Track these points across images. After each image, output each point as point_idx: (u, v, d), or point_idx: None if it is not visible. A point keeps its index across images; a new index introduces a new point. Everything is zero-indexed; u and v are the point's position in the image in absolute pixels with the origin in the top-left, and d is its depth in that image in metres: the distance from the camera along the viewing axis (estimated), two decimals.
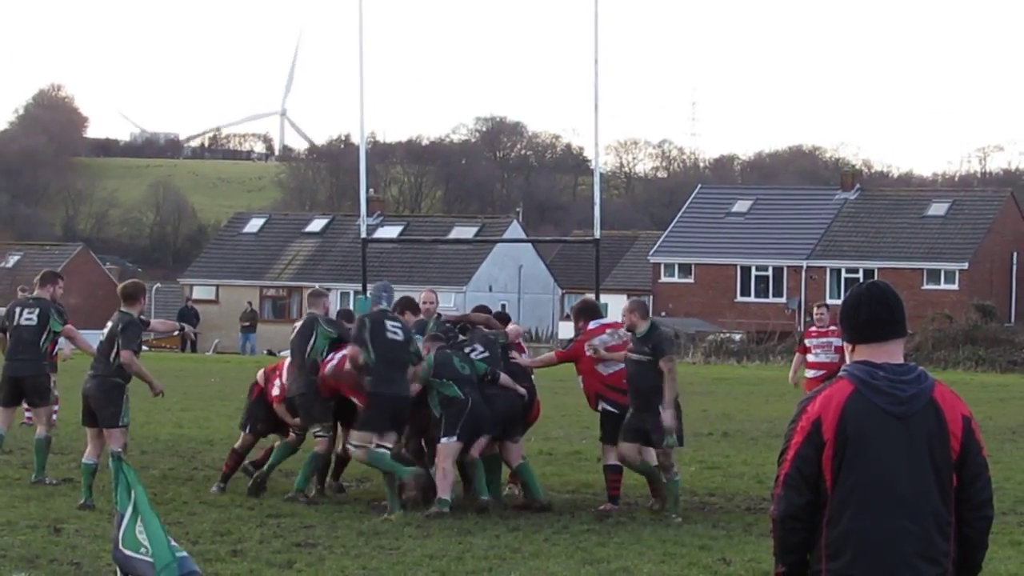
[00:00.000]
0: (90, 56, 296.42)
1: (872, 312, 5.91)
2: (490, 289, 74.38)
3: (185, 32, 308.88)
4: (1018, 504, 17.09)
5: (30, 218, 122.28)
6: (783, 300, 74.87)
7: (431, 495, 15.77)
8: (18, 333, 17.77)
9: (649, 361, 15.57)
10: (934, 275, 72.58)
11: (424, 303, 17.70)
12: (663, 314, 74.46)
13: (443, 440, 15.71)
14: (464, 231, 77.46)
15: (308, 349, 16.54)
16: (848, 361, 5.97)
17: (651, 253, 79.93)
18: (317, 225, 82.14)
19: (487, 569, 12.71)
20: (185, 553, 7.85)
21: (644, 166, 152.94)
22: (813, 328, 22.53)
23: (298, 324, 17.16)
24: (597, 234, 21.64)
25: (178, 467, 19.34)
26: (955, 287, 71.71)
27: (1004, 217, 76.04)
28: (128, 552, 7.74)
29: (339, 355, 16.24)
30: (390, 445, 15.94)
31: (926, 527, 5.75)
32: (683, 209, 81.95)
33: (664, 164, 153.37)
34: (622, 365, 16.02)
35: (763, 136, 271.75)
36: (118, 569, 7.83)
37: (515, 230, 79.50)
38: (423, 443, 16.74)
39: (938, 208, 75.64)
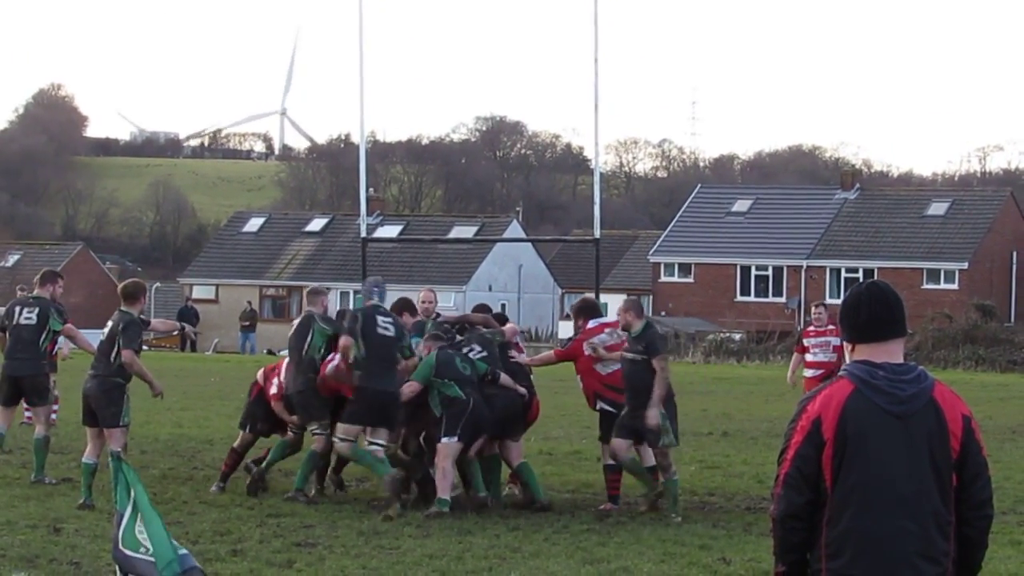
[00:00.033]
0: (90, 56, 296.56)
1: (872, 312, 5.91)
2: (490, 289, 74.39)
3: (185, 32, 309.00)
4: (1018, 504, 17.08)
5: (30, 217, 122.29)
6: (783, 300, 74.88)
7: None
8: (17, 332, 17.76)
9: (644, 360, 15.58)
10: (934, 275, 72.59)
11: (423, 302, 17.70)
12: (663, 314, 74.47)
13: (444, 440, 15.71)
14: (464, 230, 77.47)
15: (305, 347, 16.54)
16: (848, 360, 5.97)
17: (651, 253, 79.93)
18: (317, 224, 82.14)
19: (487, 569, 12.70)
20: (186, 550, 7.86)
21: (644, 166, 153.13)
22: (811, 328, 22.52)
23: (295, 322, 17.18)
24: (597, 234, 21.65)
25: (178, 467, 19.33)
26: (955, 287, 71.72)
27: (1004, 217, 76.05)
28: (128, 552, 7.75)
29: (340, 356, 16.24)
30: (381, 441, 15.96)
31: (926, 526, 5.75)
32: (683, 209, 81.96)
33: (664, 164, 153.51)
34: (620, 365, 16.03)
35: (763, 136, 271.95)
36: (118, 568, 7.83)
37: (515, 229, 79.50)
38: (422, 442, 16.72)
39: (938, 208, 75.64)
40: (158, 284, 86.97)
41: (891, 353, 5.88)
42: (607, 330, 16.51)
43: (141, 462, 19.06)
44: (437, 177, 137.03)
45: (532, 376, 17.21)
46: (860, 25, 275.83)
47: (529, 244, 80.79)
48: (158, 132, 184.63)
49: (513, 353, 17.00)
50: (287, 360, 17.07)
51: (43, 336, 17.79)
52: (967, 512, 5.86)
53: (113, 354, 15.79)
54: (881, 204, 77.12)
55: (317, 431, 16.56)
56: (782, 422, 17.62)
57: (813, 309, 23.05)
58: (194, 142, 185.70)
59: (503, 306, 72.01)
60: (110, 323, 16.02)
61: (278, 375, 17.11)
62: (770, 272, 75.99)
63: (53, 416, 21.88)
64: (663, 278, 78.21)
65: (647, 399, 15.53)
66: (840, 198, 78.00)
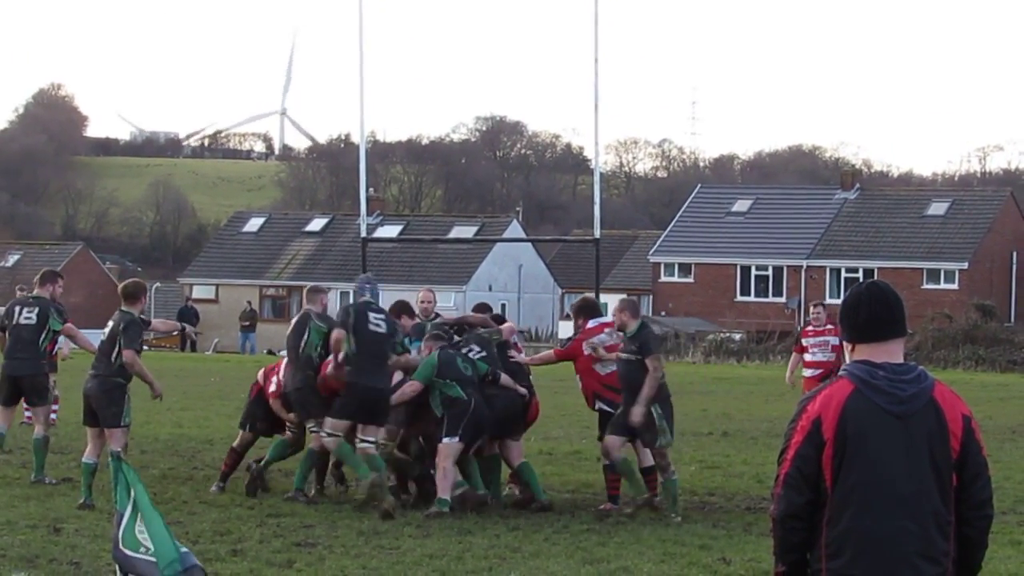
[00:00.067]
0: (90, 56, 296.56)
1: (872, 312, 5.91)
2: (490, 288, 74.39)
3: (185, 32, 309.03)
4: (1018, 503, 17.09)
5: (30, 217, 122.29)
6: (783, 300, 74.89)
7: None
8: (17, 332, 17.77)
9: (639, 360, 15.58)
10: (934, 275, 72.59)
11: (421, 303, 17.72)
12: (663, 314, 74.48)
13: (445, 440, 15.70)
14: (464, 230, 77.46)
15: (302, 345, 16.54)
16: (848, 360, 5.97)
17: (651, 253, 79.93)
18: (317, 224, 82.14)
19: (487, 569, 12.70)
20: (186, 548, 7.86)
21: (644, 166, 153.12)
22: (810, 327, 22.49)
23: (293, 320, 17.19)
24: (597, 234, 21.64)
25: (178, 466, 19.33)
26: (955, 287, 71.72)
27: (1004, 217, 76.05)
28: (128, 552, 7.75)
29: (341, 355, 16.24)
30: (372, 439, 15.97)
31: (926, 526, 5.75)
32: (683, 209, 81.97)
33: (664, 164, 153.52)
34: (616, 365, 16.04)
35: (763, 136, 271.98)
36: (118, 568, 7.84)
37: (515, 229, 79.50)
38: (421, 442, 16.72)
39: (938, 208, 75.64)
40: (158, 284, 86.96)
41: (891, 353, 5.88)
42: (607, 330, 16.50)
43: (141, 462, 19.06)
44: (437, 177, 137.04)
45: (531, 376, 17.21)
46: (860, 25, 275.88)
47: (529, 244, 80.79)
48: (158, 132, 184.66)
49: (512, 353, 17.01)
50: (286, 359, 17.09)
51: (43, 336, 17.79)
52: (967, 512, 5.86)
53: (114, 354, 15.79)
54: (881, 204, 77.12)
55: (315, 429, 16.56)
56: (782, 422, 17.63)
57: (811, 309, 23.03)
58: (194, 142, 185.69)
59: (503, 306, 72.00)
60: (111, 323, 16.01)
61: (277, 374, 17.13)
62: (770, 272, 76.00)
63: (53, 416, 21.89)
64: (663, 278, 78.21)
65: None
66: (840, 198, 78.00)
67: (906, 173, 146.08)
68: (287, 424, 17.03)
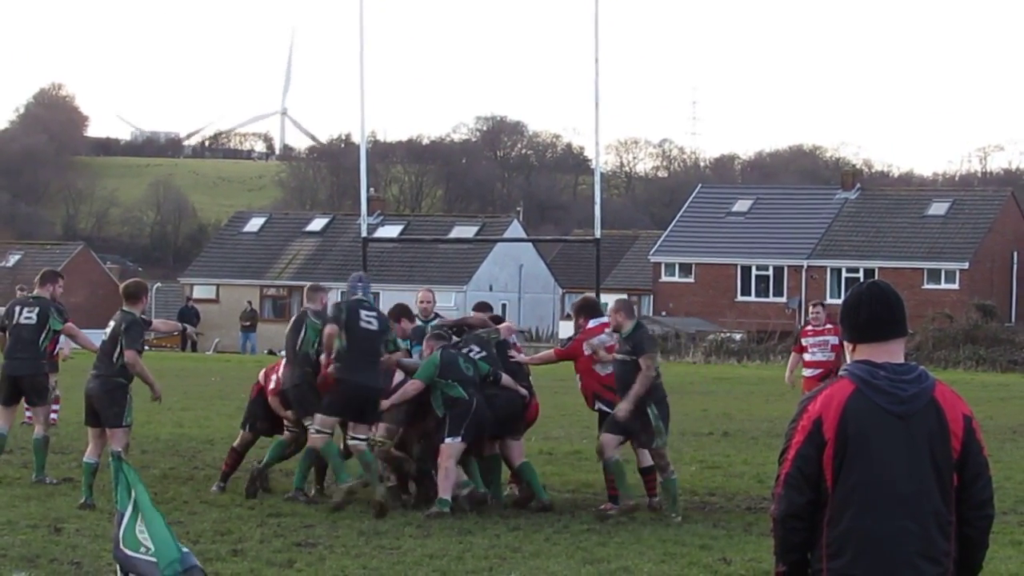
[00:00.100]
0: (90, 56, 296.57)
1: (873, 312, 5.91)
2: (490, 288, 74.38)
3: (185, 32, 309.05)
4: (1018, 504, 17.08)
5: (30, 217, 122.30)
6: (783, 300, 74.88)
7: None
8: (17, 332, 17.77)
9: (634, 360, 15.58)
10: (934, 275, 72.58)
11: (421, 303, 17.75)
12: (664, 314, 74.47)
13: (447, 440, 15.71)
14: (464, 230, 77.45)
15: (299, 342, 16.55)
16: (848, 360, 5.97)
17: (651, 252, 79.92)
18: (317, 224, 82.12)
19: (487, 569, 12.70)
20: (187, 549, 7.86)
21: (644, 165, 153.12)
22: (809, 327, 22.45)
23: (292, 319, 17.23)
24: (597, 233, 21.64)
25: (178, 466, 19.34)
26: (955, 287, 71.71)
27: (1004, 217, 76.04)
28: (128, 552, 7.75)
29: (334, 352, 16.26)
30: (363, 436, 16.01)
31: (927, 526, 5.75)
32: (683, 208, 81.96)
33: (664, 163, 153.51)
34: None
35: (763, 136, 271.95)
36: (118, 568, 7.83)
37: (515, 229, 79.48)
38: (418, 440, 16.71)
39: (938, 208, 75.63)
40: (159, 284, 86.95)
41: (892, 353, 5.88)
42: (607, 330, 16.50)
43: (142, 462, 19.06)
44: (438, 177, 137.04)
45: (531, 377, 17.21)
46: (860, 25, 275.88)
47: (530, 244, 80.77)
48: (158, 132, 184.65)
49: (512, 353, 17.02)
50: (285, 358, 17.14)
51: (43, 336, 17.80)
52: (968, 512, 5.86)
53: (116, 354, 15.79)
54: (882, 204, 77.11)
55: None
56: (782, 422, 17.62)
57: (811, 308, 23.00)
58: (194, 141, 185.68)
59: (503, 306, 72.00)
60: (112, 323, 16.01)
61: (277, 372, 17.16)
62: (771, 272, 75.99)
63: (54, 416, 21.90)
64: (664, 278, 78.20)
65: (639, 399, 15.52)
66: (841, 198, 77.99)
67: (907, 173, 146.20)
68: (285, 423, 17.03)
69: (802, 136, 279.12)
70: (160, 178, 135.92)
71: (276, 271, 79.08)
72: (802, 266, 74.71)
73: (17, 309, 17.95)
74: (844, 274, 73.36)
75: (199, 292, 78.04)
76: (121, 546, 7.77)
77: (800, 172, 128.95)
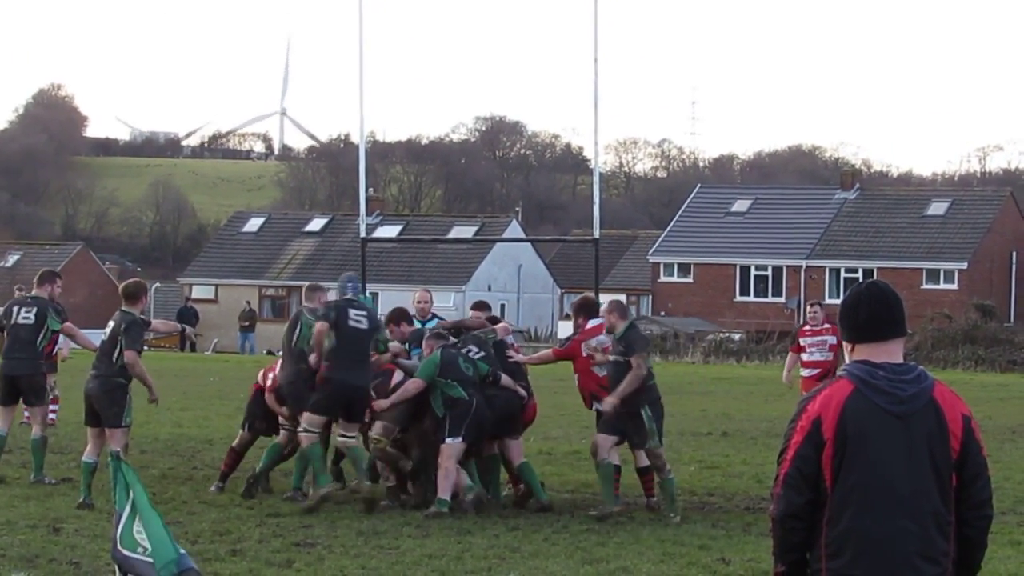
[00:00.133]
0: (90, 56, 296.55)
1: (872, 311, 5.90)
2: (489, 288, 74.38)
3: (185, 32, 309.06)
4: (1018, 504, 17.08)
5: (30, 217, 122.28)
6: (782, 300, 74.89)
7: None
8: (15, 332, 17.79)
9: (627, 362, 15.57)
10: (933, 275, 72.59)
11: (418, 303, 17.76)
12: (662, 313, 74.48)
13: (448, 440, 15.71)
14: (463, 230, 77.45)
15: (294, 339, 16.57)
16: (847, 360, 5.97)
17: (650, 253, 79.92)
18: (316, 224, 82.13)
19: (486, 569, 12.70)
20: (184, 551, 7.85)
21: (643, 165, 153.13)
22: (807, 327, 22.42)
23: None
24: (596, 233, 21.62)
25: (177, 466, 19.33)
26: (954, 287, 71.72)
27: (1003, 217, 76.05)
28: (126, 552, 7.74)
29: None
30: (352, 434, 16.06)
31: (926, 526, 5.74)
32: (682, 209, 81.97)
33: (663, 163, 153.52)
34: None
35: (763, 136, 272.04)
36: (117, 568, 7.83)
37: (514, 229, 79.49)
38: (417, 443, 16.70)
39: (938, 208, 75.64)
40: (158, 284, 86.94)
41: (891, 353, 5.88)
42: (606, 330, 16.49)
43: (141, 462, 19.06)
44: (437, 177, 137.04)
45: (528, 376, 17.21)
46: (860, 25, 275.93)
47: (529, 244, 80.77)
48: (158, 132, 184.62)
49: (511, 353, 17.02)
50: (281, 355, 17.17)
51: (40, 336, 17.80)
52: (967, 512, 5.85)
53: (115, 354, 15.79)
54: (881, 204, 77.12)
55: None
56: (781, 422, 17.58)
57: (808, 308, 22.98)
58: (193, 140, 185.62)
59: (503, 306, 71.98)
60: (112, 323, 16.01)
61: (274, 371, 17.19)
62: (769, 272, 76.00)
63: (52, 416, 21.90)
64: (662, 278, 78.21)
65: (633, 400, 15.52)
66: (840, 198, 78.00)
67: (906, 173, 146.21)
68: (280, 420, 17.01)
69: (801, 136, 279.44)
70: (159, 178, 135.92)
71: (275, 271, 79.07)
72: (801, 266, 74.71)
73: (15, 309, 17.96)
74: (843, 274, 73.37)
75: (198, 292, 78.04)
76: (119, 546, 7.77)
77: (799, 172, 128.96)
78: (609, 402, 15.56)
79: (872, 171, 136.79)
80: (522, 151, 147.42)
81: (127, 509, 7.77)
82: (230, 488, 16.97)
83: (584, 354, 16.34)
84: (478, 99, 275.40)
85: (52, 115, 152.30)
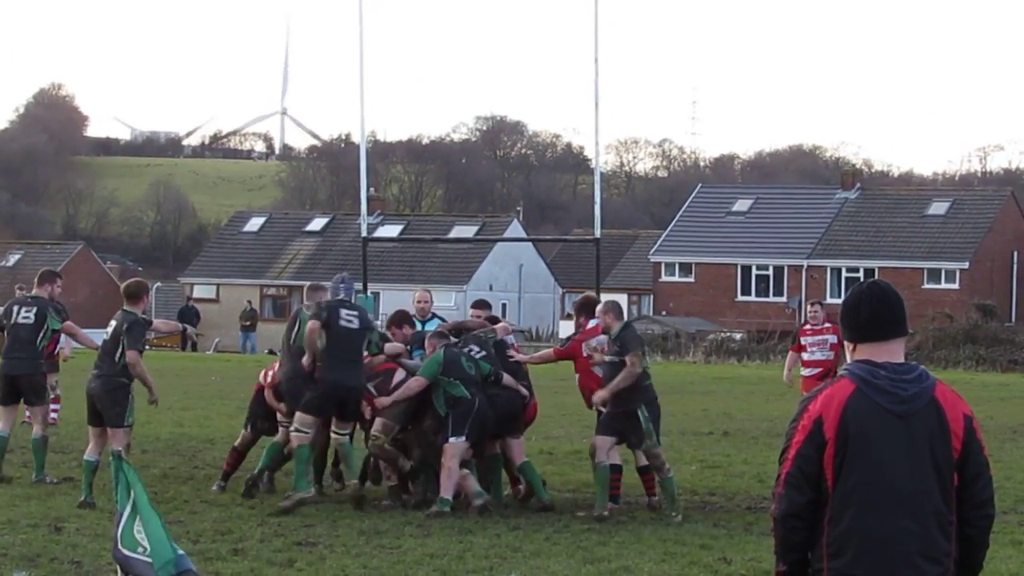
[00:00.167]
0: (91, 56, 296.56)
1: (873, 311, 5.91)
2: (490, 288, 74.38)
3: (185, 31, 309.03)
4: (1019, 503, 17.08)
5: (30, 217, 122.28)
6: (783, 299, 74.87)
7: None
8: (15, 331, 17.80)
9: (622, 361, 15.57)
10: (934, 274, 72.58)
11: (418, 303, 17.77)
12: (664, 313, 74.48)
13: (451, 440, 15.72)
14: (464, 230, 77.45)
15: (293, 336, 16.58)
16: (849, 360, 5.97)
17: (651, 252, 79.91)
18: (317, 224, 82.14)
19: (488, 568, 12.70)
20: (182, 552, 7.85)
21: (644, 165, 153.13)
22: (808, 326, 22.40)
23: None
24: (597, 233, 21.62)
25: (179, 466, 19.34)
26: (955, 286, 71.70)
27: (1004, 216, 76.03)
28: (126, 552, 7.75)
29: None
30: (346, 431, 16.14)
31: (927, 526, 5.75)
32: (683, 208, 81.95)
33: (664, 163, 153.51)
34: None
35: (763, 135, 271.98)
36: (118, 568, 7.83)
37: (515, 229, 79.48)
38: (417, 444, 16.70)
39: (938, 207, 75.62)
40: (159, 284, 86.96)
41: (892, 353, 5.88)
42: None
43: (142, 461, 19.06)
44: (438, 177, 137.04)
45: (529, 376, 17.21)
46: (860, 25, 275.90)
47: (530, 244, 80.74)
48: (158, 132, 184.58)
49: (511, 352, 17.03)
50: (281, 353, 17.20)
51: (40, 335, 17.80)
52: (968, 512, 5.86)
53: (118, 354, 15.79)
54: (882, 204, 77.10)
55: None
56: (783, 422, 17.58)
57: (808, 307, 22.96)
58: (193, 138, 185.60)
59: (503, 306, 71.99)
60: (113, 323, 16.01)
61: (275, 369, 17.21)
62: (771, 272, 75.99)
63: (54, 416, 21.90)
64: (664, 278, 78.19)
65: (628, 399, 15.52)
66: (840, 198, 77.98)
67: (907, 173, 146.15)
68: (279, 418, 17.00)
69: (802, 136, 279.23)
70: (160, 178, 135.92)
71: (276, 271, 79.08)
72: (802, 266, 74.70)
73: (15, 309, 17.97)
74: (844, 274, 73.36)
75: (199, 292, 78.04)
76: (119, 546, 7.77)
77: (800, 172, 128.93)
78: (600, 396, 15.60)
79: (873, 171, 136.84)
80: (523, 151, 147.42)
81: (128, 509, 7.77)
82: (231, 487, 16.97)
83: (584, 354, 16.35)
84: (479, 99, 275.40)
85: (52, 115, 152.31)
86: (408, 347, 16.91)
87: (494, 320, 17.74)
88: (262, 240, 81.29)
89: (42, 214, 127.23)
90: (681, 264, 77.92)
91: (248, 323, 67.94)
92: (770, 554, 6.14)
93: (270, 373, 17.25)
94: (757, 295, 75.84)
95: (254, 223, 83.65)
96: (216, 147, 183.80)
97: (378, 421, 16.22)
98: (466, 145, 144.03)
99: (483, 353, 16.45)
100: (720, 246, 76.88)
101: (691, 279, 77.30)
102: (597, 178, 22.18)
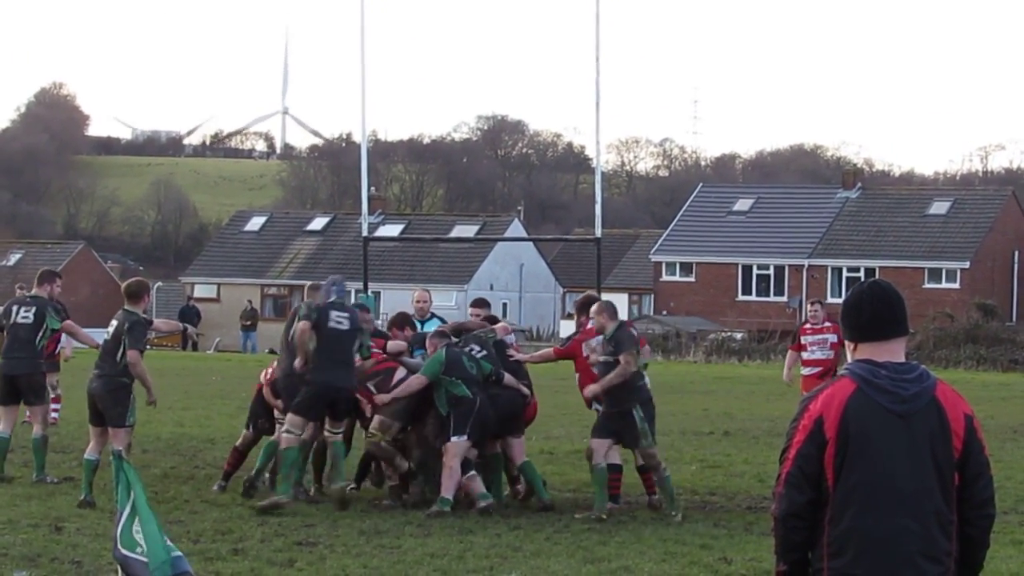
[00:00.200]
0: (92, 55, 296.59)
1: (874, 311, 5.90)
2: (491, 288, 74.39)
3: (186, 31, 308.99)
4: (1019, 503, 17.08)
5: (31, 216, 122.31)
6: (784, 299, 74.87)
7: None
8: (15, 331, 17.80)
9: (616, 361, 15.56)
10: (935, 274, 72.58)
11: (417, 302, 17.77)
12: (664, 313, 74.47)
13: (453, 439, 15.72)
14: (465, 229, 77.45)
15: (291, 334, 16.58)
16: (849, 360, 5.97)
17: (652, 252, 79.92)
18: (318, 223, 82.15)
19: (488, 568, 12.70)
20: (180, 553, 7.84)
21: (645, 165, 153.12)
22: (808, 325, 22.38)
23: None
24: (598, 233, 21.62)
25: (179, 465, 19.33)
26: (956, 286, 71.71)
27: (1005, 216, 76.03)
28: (125, 551, 7.75)
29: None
30: (339, 430, 16.15)
31: (928, 526, 5.74)
32: (684, 208, 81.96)
33: (665, 163, 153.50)
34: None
35: (764, 135, 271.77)
36: (119, 568, 7.83)
37: (516, 229, 79.49)
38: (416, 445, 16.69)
39: (939, 207, 75.63)
40: (160, 283, 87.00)
41: (893, 352, 5.88)
42: None
43: (143, 461, 19.06)
44: (438, 176, 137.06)
45: (529, 375, 17.21)
46: (861, 24, 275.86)
47: (530, 243, 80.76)
48: (159, 131, 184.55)
49: (511, 352, 17.04)
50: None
51: (39, 335, 17.80)
52: (969, 511, 5.85)
53: (119, 354, 15.79)
54: (883, 203, 77.11)
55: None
56: (783, 421, 17.58)
57: (809, 306, 22.93)
58: (194, 137, 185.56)
59: (504, 305, 72.00)
60: (114, 322, 16.01)
61: (272, 367, 17.23)
62: (771, 271, 75.99)
63: (55, 415, 21.89)
64: (664, 277, 78.20)
65: (624, 400, 15.52)
66: (841, 197, 77.98)
67: (908, 172, 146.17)
68: (276, 415, 16.99)
69: (803, 135, 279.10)
70: (161, 177, 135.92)
71: (277, 270, 79.09)
72: (803, 265, 74.70)
73: (15, 308, 17.98)
74: (845, 273, 73.37)
75: (200, 291, 78.05)
76: (119, 546, 7.78)
77: (801, 171, 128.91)
78: (592, 389, 15.62)
79: (874, 170, 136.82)
80: (524, 150, 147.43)
81: (128, 509, 7.77)
82: (232, 487, 16.96)
83: (584, 354, 16.35)
84: (480, 98, 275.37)
85: (53, 114, 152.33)
86: (409, 348, 16.91)
87: (493, 319, 17.73)
88: (263, 240, 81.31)
89: (43, 213, 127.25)
90: (682, 264, 77.92)
91: (249, 323, 67.94)
92: (770, 554, 6.13)
93: (269, 370, 17.26)
94: (758, 295, 75.84)
95: (255, 222, 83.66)
96: (217, 147, 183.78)
97: (376, 418, 16.22)
98: (467, 144, 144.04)
99: (484, 353, 16.46)
100: (721, 246, 76.88)
101: (692, 279, 77.30)
102: (598, 177, 22.18)
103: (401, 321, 17.28)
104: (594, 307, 16.06)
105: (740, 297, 75.83)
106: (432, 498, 15.82)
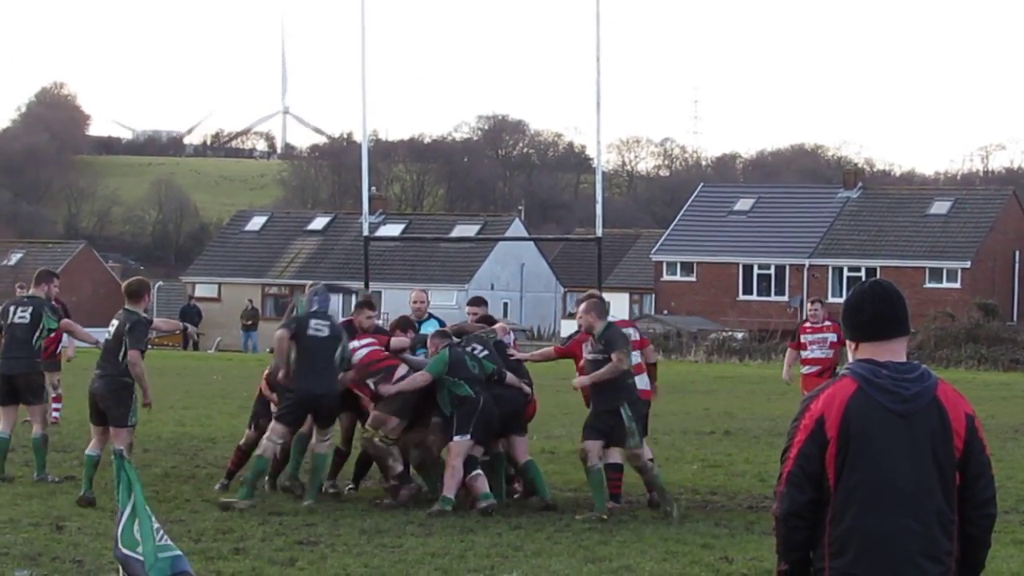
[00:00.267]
0: (92, 55, 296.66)
1: (875, 311, 5.90)
2: (492, 287, 74.40)
3: (187, 31, 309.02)
4: (1020, 503, 17.08)
5: (32, 216, 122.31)
6: (785, 298, 74.90)
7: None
8: (12, 331, 17.83)
9: (605, 360, 15.54)
10: (936, 274, 72.60)
11: (414, 303, 17.79)
12: (665, 312, 74.49)
13: (456, 438, 15.72)
14: (466, 229, 77.46)
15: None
16: (851, 359, 5.97)
17: (653, 251, 79.94)
18: (319, 223, 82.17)
19: (489, 567, 12.70)
20: (179, 552, 7.84)
21: (646, 164, 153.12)
22: (808, 324, 22.39)
23: None
24: (599, 232, 21.62)
25: (180, 465, 19.34)
26: (957, 286, 71.73)
27: (1006, 216, 76.05)
28: (126, 551, 7.75)
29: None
30: (327, 438, 16.21)
31: (929, 525, 5.74)
32: (685, 207, 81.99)
33: (666, 162, 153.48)
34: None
35: (765, 134, 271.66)
36: (119, 567, 7.84)
37: (517, 228, 79.51)
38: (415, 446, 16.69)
39: (940, 207, 75.64)
40: (160, 283, 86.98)
41: (894, 352, 5.88)
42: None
43: (144, 460, 19.07)
44: (439, 176, 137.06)
45: (530, 374, 17.22)
46: (862, 24, 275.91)
47: (531, 243, 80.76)
48: (160, 131, 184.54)
49: (512, 351, 17.04)
50: None
51: (36, 335, 17.81)
52: (970, 511, 5.85)
53: (121, 354, 15.80)
54: (883, 203, 77.13)
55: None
56: (784, 421, 17.57)
57: (809, 305, 22.94)
58: (195, 135, 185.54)
59: (505, 305, 72.02)
60: (115, 322, 16.01)
61: None
62: (772, 271, 76.01)
63: (55, 415, 21.90)
64: (665, 277, 78.21)
65: (612, 399, 15.50)
66: (842, 197, 78.00)
67: (908, 172, 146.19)
68: (272, 407, 16.98)
69: (804, 135, 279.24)
70: (162, 177, 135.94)
71: (278, 270, 79.11)
72: (804, 265, 74.72)
73: (12, 308, 18.00)
74: (846, 273, 73.39)
75: (201, 291, 78.07)
76: (120, 545, 7.78)
77: (802, 171, 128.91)
78: (581, 380, 15.64)
79: (875, 170, 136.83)
80: (525, 150, 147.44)
81: (128, 508, 7.77)
82: (233, 487, 16.95)
83: (585, 355, 16.33)
84: (481, 98, 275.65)
85: (54, 114, 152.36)
86: (411, 350, 16.91)
87: (489, 319, 17.73)
88: (264, 239, 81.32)
89: (44, 213, 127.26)
90: (683, 263, 77.94)
91: (250, 322, 67.94)
92: (772, 553, 6.14)
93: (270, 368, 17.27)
94: (759, 294, 75.86)
95: (256, 222, 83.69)
96: (218, 146, 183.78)
97: (372, 414, 16.23)
98: (468, 144, 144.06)
99: (486, 352, 16.47)
100: (722, 245, 76.89)
101: (693, 278, 77.32)
102: (599, 177, 22.19)
103: (403, 324, 17.27)
104: (581, 306, 15.98)
105: (741, 297, 75.85)
106: (432, 497, 15.82)
